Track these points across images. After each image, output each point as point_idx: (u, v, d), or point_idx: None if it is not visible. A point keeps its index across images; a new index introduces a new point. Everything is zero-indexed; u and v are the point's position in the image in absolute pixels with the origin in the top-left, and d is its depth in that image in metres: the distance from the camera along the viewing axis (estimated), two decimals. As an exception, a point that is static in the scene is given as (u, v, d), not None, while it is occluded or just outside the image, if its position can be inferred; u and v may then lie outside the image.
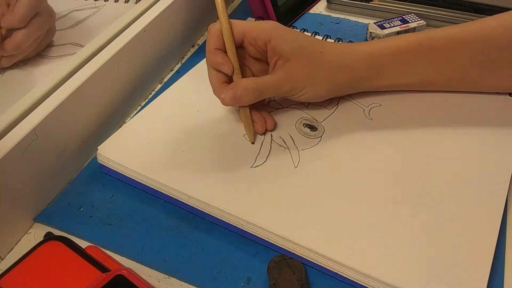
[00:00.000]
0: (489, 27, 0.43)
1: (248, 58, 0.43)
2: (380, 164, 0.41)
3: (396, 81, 0.45)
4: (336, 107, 0.46)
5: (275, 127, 0.44)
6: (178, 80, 0.49)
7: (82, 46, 0.52)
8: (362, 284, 0.34)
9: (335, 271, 0.35)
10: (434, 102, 0.47)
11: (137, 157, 0.41)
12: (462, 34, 0.43)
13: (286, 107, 0.46)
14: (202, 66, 0.50)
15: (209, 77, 0.42)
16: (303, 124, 0.44)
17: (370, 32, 0.56)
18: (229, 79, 0.42)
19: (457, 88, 0.47)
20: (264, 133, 0.43)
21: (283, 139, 0.43)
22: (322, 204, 0.38)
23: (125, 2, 0.60)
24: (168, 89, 0.48)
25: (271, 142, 0.43)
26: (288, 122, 0.45)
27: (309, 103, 0.46)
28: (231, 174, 0.40)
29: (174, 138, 0.43)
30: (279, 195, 0.39)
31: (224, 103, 0.41)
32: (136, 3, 0.56)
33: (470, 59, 0.44)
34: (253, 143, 0.43)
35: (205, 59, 0.43)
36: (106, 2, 0.60)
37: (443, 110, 0.46)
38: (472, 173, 0.41)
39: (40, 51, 0.52)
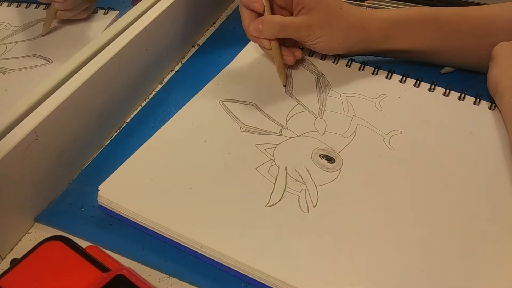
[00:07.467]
0: (491, 9, 0.48)
1: (275, 7, 0.49)
2: (406, 202, 0.38)
3: (404, 45, 0.49)
4: (354, 134, 0.43)
5: (302, 56, 0.49)
6: (182, 108, 0.45)
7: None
8: None
9: None
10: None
11: (142, 199, 0.38)
12: (466, 12, 0.48)
13: (300, 136, 0.43)
14: (207, 91, 0.47)
15: (241, 17, 0.48)
16: (320, 155, 0.41)
17: None
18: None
19: (461, 59, 0.50)
20: (290, 67, 0.49)
21: (298, 173, 0.39)
22: (346, 256, 0.34)
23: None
24: (171, 119, 0.44)
25: (286, 176, 0.39)
26: (304, 152, 0.41)
27: (325, 130, 0.44)
28: (245, 216, 0.37)
29: (181, 173, 0.40)
30: (298, 243, 0.35)
31: (249, 34, 0.47)
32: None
33: (470, 31, 0.48)
34: (284, 85, 0.47)
35: (208, 85, 0.48)
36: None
37: (471, 135, 0.42)
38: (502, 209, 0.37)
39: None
